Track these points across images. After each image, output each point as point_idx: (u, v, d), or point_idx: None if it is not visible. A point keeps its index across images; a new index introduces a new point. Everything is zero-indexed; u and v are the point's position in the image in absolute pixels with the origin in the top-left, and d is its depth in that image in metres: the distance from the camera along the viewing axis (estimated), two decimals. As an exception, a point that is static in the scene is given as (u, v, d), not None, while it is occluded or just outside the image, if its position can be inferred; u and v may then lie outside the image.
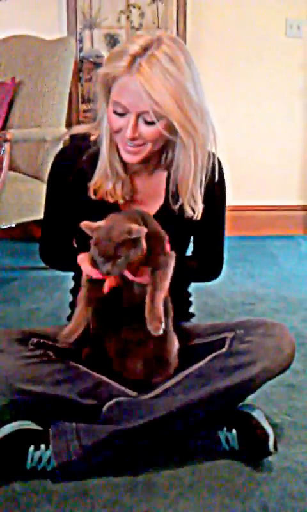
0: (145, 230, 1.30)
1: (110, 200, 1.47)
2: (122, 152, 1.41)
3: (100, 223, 1.33)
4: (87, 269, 1.36)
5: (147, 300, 1.35)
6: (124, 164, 1.46)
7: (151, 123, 1.34)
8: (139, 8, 3.28)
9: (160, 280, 1.36)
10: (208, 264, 1.63)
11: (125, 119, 1.35)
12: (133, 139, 1.36)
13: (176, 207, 1.47)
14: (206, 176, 1.46)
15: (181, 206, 1.47)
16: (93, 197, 1.47)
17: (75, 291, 1.66)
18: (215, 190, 1.51)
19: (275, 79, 3.48)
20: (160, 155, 1.48)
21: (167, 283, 1.37)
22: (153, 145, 1.39)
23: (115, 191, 1.46)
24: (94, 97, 1.47)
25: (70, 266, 1.61)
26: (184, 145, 1.38)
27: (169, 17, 3.29)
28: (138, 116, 1.33)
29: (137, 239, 1.31)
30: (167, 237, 1.42)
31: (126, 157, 1.41)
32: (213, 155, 1.47)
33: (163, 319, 1.33)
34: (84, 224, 1.33)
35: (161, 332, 1.32)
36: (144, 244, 1.33)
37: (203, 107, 1.37)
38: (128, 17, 3.29)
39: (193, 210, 1.47)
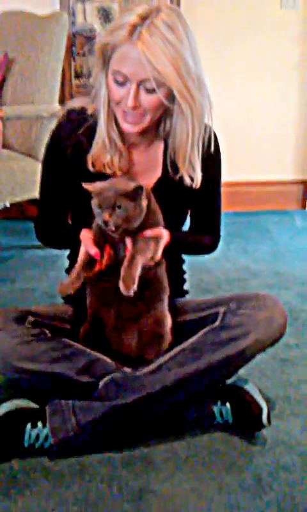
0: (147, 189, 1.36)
1: (108, 172, 1.47)
2: (121, 122, 1.41)
3: (103, 182, 1.37)
4: (87, 244, 1.40)
5: (125, 260, 1.37)
6: (122, 136, 1.47)
7: (152, 91, 1.34)
8: (132, -20, 3.22)
9: (142, 249, 1.38)
10: (205, 237, 1.64)
11: (125, 88, 1.35)
12: (134, 108, 1.36)
13: (176, 178, 1.48)
14: (202, 147, 1.46)
15: (180, 177, 1.48)
16: (91, 169, 1.48)
17: (70, 271, 1.67)
18: (211, 161, 1.52)
19: (270, 52, 3.44)
20: (157, 126, 1.48)
21: (148, 254, 1.39)
22: (152, 115, 1.39)
23: (113, 162, 1.47)
24: (92, 68, 1.45)
25: (64, 243, 1.62)
26: (182, 114, 1.39)
27: (163, -11, 3.23)
28: (138, 84, 1.33)
29: (137, 196, 1.34)
30: (161, 222, 1.45)
31: (126, 127, 1.41)
32: (210, 128, 1.47)
33: (136, 282, 1.34)
34: (87, 184, 1.36)
35: (131, 293, 1.33)
36: (144, 203, 1.36)
37: (201, 76, 1.37)
38: (120, -10, 3.23)
39: (191, 179, 1.48)
